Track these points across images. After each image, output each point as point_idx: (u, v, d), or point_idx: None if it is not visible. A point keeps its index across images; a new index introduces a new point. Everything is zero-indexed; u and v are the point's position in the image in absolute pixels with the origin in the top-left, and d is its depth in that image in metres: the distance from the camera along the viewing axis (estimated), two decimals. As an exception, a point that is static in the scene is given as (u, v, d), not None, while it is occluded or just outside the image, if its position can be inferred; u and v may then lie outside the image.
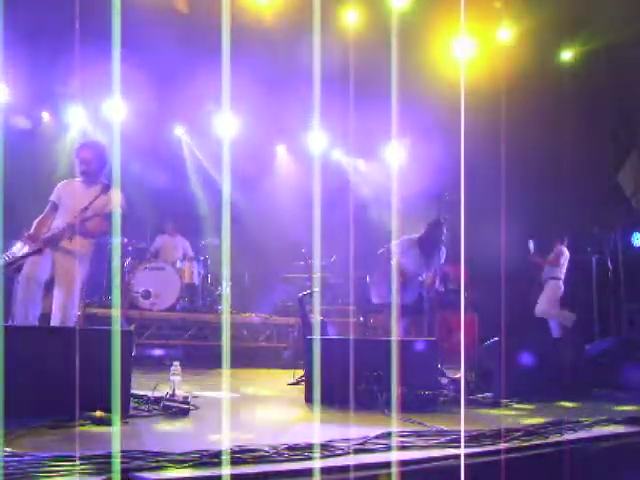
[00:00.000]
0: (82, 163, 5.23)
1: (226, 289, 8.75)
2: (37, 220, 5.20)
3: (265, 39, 8.01)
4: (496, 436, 3.28)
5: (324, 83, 6.94)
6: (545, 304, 8.62)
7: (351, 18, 8.41)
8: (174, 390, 4.20)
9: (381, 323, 7.15)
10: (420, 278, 6.33)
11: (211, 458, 2.61)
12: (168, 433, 3.53)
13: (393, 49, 6.59)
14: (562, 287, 8.58)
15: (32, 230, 5.11)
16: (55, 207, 5.24)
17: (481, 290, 9.77)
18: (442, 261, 6.51)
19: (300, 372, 5.64)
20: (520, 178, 9.29)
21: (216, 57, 5.36)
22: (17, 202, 5.63)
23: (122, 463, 2.45)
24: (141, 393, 4.26)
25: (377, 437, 3.18)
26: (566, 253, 8.58)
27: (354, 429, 3.53)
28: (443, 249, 6.49)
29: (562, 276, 8.58)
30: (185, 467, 2.51)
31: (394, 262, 6.29)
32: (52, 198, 5.28)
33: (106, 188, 5.09)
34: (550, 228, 8.77)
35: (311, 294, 6.66)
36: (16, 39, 6.31)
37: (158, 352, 7.26)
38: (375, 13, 8.14)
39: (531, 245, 8.82)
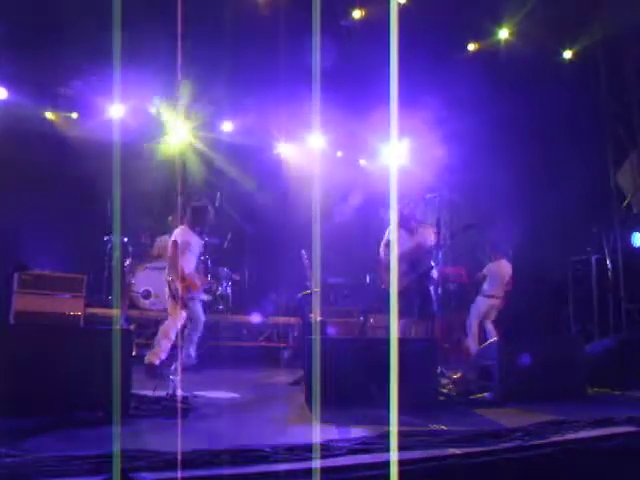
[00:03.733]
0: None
1: (226, 289, 8.76)
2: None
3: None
4: (496, 436, 3.28)
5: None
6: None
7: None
8: (174, 390, 4.20)
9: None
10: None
11: (211, 458, 2.61)
12: (168, 433, 3.53)
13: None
14: (486, 303, 8.24)
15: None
16: None
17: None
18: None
19: (300, 372, 5.64)
20: (519, 178, 9.29)
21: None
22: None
23: (122, 463, 2.45)
24: (141, 393, 4.25)
25: (377, 437, 3.18)
26: (494, 269, 8.30)
27: (354, 429, 3.54)
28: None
29: (490, 292, 8.24)
30: (185, 467, 2.51)
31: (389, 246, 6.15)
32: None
33: None
34: (550, 228, 8.74)
35: (311, 294, 6.65)
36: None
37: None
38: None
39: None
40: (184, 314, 6.26)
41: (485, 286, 8.33)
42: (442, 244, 6.24)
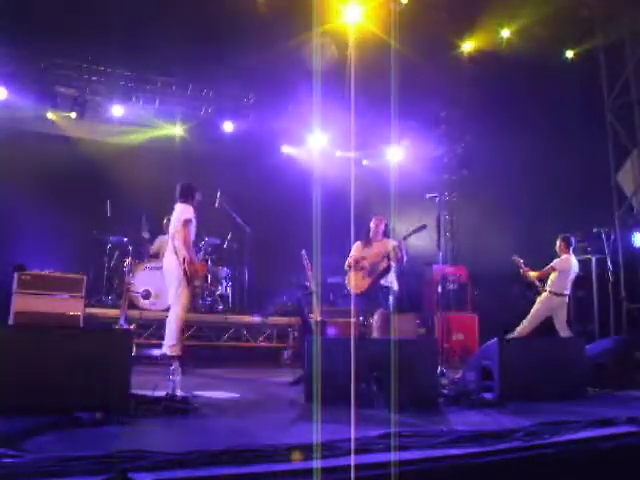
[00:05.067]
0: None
1: (226, 289, 8.76)
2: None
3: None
4: (496, 436, 3.27)
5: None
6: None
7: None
8: (174, 390, 4.20)
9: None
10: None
11: (211, 458, 2.60)
12: (168, 433, 3.53)
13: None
14: (554, 300, 7.60)
15: None
16: None
17: (482, 290, 9.78)
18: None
19: (300, 372, 5.63)
20: (519, 178, 9.29)
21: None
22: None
23: (122, 463, 2.45)
24: (141, 393, 4.25)
25: (377, 437, 3.17)
26: (559, 266, 7.66)
27: (354, 429, 3.53)
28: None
29: (558, 290, 7.60)
30: (185, 467, 2.51)
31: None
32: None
33: None
34: (550, 228, 8.73)
35: (311, 294, 6.65)
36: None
37: (158, 352, 7.25)
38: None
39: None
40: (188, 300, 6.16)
41: (550, 283, 7.69)
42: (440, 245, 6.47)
